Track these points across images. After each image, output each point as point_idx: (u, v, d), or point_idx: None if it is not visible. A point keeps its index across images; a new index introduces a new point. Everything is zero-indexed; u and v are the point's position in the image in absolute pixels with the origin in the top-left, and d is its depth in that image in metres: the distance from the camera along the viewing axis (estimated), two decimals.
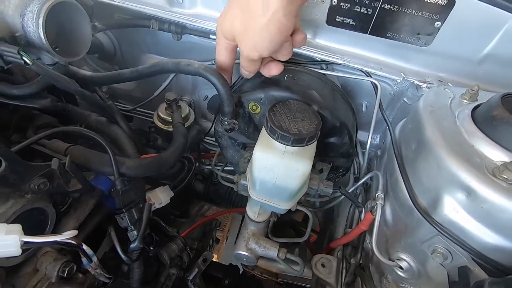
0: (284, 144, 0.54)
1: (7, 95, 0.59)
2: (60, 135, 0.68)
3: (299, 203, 0.71)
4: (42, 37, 0.53)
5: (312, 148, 0.58)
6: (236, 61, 0.92)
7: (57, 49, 0.61)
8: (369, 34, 0.74)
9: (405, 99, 0.81)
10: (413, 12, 0.67)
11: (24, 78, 0.69)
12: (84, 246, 0.52)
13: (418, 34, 0.71)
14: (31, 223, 0.50)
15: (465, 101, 0.59)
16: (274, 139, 0.55)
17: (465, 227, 0.46)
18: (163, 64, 0.71)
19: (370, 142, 0.83)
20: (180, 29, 0.87)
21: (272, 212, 0.78)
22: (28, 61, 0.50)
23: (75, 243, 0.48)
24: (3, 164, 0.42)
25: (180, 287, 0.85)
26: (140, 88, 1.13)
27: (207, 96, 1.08)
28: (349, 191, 0.80)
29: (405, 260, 0.57)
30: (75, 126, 0.68)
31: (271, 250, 0.65)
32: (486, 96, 0.58)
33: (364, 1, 0.69)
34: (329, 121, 0.72)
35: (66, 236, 0.47)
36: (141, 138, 1.00)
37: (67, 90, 0.60)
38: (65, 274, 0.52)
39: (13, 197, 0.48)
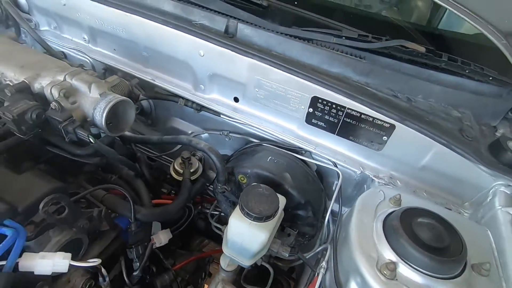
0: (249, 219, 0.76)
1: (73, 153, 0.87)
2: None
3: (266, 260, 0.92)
4: (103, 123, 0.81)
5: (271, 222, 0.79)
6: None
7: (110, 124, 0.89)
8: (337, 135, 0.97)
9: (365, 186, 1.01)
10: (367, 127, 0.90)
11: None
12: (103, 270, 0.76)
13: (372, 141, 0.92)
14: (72, 247, 0.75)
15: (391, 204, 0.78)
16: (242, 214, 0.77)
17: None
18: (180, 138, 0.99)
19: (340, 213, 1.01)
20: (200, 107, 1.15)
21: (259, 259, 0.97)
22: (92, 141, 0.78)
23: (98, 267, 0.72)
24: (66, 210, 0.68)
25: None
26: None
27: None
28: (312, 254, 0.98)
29: None
30: (112, 177, 0.95)
31: None
32: (412, 201, 0.77)
33: (331, 113, 0.93)
34: (296, 198, 0.93)
35: (94, 263, 0.71)
36: (160, 175, 1.27)
37: (112, 159, 0.88)
38: (87, 287, 0.75)
39: (66, 229, 0.73)
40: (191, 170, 1.15)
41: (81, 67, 1.21)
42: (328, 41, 0.96)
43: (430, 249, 0.62)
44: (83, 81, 0.84)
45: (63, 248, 0.72)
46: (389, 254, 0.64)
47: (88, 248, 0.82)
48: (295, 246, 1.04)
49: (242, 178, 0.99)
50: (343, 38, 0.97)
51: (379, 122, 0.87)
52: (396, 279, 0.61)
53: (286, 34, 0.96)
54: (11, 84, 0.84)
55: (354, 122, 0.91)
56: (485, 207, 0.81)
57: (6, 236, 0.60)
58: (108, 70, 1.29)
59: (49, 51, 1.09)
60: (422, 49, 0.96)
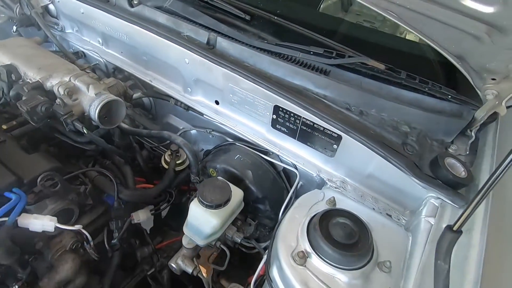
0: (202, 206, 0.91)
1: (75, 140, 1.07)
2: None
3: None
4: (97, 118, 1.00)
5: (223, 210, 0.93)
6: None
7: (105, 118, 1.08)
8: (297, 140, 1.08)
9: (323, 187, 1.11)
10: (319, 135, 1.00)
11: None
12: (87, 234, 0.95)
13: (325, 148, 1.02)
14: (65, 214, 0.95)
15: (327, 205, 0.89)
16: (198, 201, 0.92)
17: None
18: (163, 133, 1.16)
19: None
20: (187, 107, 1.31)
21: (218, 242, 1.12)
22: (85, 132, 0.97)
23: (81, 231, 0.91)
24: (59, 185, 0.88)
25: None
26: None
27: (203, 149, 1.49)
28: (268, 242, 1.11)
29: None
30: (107, 162, 1.15)
31: (188, 268, 1.01)
32: (347, 204, 0.88)
33: (291, 120, 1.04)
34: (254, 193, 1.07)
35: (76, 228, 0.90)
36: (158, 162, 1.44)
37: (104, 148, 1.07)
38: (74, 247, 0.95)
39: (59, 200, 0.93)
40: (178, 162, 1.31)
41: (95, 66, 1.43)
42: (295, 56, 1.07)
43: (337, 244, 0.73)
44: (83, 82, 1.03)
45: (57, 214, 0.92)
46: (306, 246, 0.76)
47: (80, 217, 1.02)
48: (260, 235, 1.19)
49: (212, 171, 1.14)
50: (311, 53, 1.07)
51: (328, 132, 0.97)
52: (305, 266, 0.73)
53: (257, 48, 1.09)
54: (30, 82, 1.05)
55: (309, 130, 1.01)
56: (416, 215, 0.89)
57: (11, 199, 0.80)
58: (117, 70, 1.49)
59: (65, 53, 1.31)
60: (381, 66, 1.04)
